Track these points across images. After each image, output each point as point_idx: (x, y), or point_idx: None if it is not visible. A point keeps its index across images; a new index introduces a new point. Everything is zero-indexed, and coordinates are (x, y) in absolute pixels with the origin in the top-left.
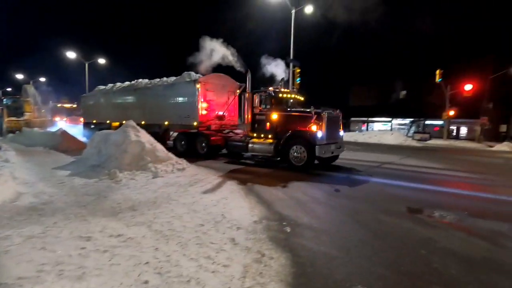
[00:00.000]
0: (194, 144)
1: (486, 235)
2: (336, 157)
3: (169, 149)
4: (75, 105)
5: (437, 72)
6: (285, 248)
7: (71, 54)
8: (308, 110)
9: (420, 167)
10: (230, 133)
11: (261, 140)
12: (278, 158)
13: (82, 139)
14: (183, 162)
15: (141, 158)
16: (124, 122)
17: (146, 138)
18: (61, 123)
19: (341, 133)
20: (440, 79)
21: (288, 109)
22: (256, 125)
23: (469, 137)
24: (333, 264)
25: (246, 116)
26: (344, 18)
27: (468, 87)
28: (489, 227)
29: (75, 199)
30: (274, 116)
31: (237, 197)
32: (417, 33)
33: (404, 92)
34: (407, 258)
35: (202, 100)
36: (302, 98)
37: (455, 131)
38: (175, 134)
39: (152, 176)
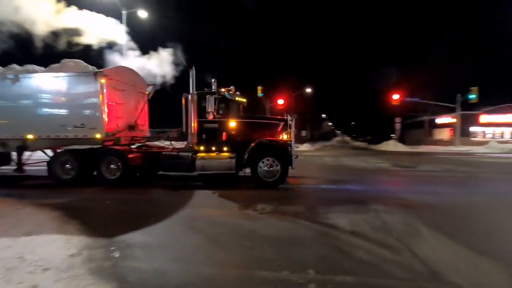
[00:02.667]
0: (94, 167)
1: (289, 218)
2: None
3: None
4: None
5: (259, 88)
6: (109, 278)
7: None
8: (277, 116)
9: None
10: (144, 147)
11: (214, 155)
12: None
13: None
14: None
15: None
16: None
17: None
18: None
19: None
20: (262, 94)
21: (248, 115)
22: (204, 136)
23: None
24: (165, 279)
25: (190, 124)
26: None
27: (280, 101)
28: (292, 210)
29: None
30: (233, 124)
31: (47, 229)
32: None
33: None
34: (234, 252)
35: (108, 102)
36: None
37: None
38: (47, 154)
39: None
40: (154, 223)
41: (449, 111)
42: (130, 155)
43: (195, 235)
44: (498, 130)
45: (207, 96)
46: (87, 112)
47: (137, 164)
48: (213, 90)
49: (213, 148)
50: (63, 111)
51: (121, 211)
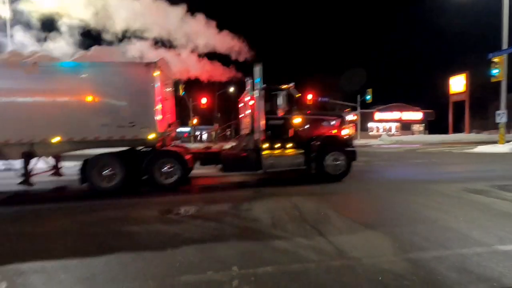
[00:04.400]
0: (144, 171)
1: (215, 217)
2: None
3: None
4: None
5: (180, 86)
6: None
7: None
8: (336, 113)
9: None
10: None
11: (282, 151)
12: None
13: None
14: None
15: None
16: None
17: None
18: None
19: None
20: (184, 92)
21: (311, 111)
22: (270, 133)
23: (209, 140)
24: None
25: (257, 121)
26: None
27: (203, 100)
28: (217, 209)
29: None
30: (298, 120)
31: None
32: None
33: None
34: (155, 261)
35: (160, 98)
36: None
37: (199, 136)
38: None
39: None
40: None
41: (352, 109)
42: (187, 157)
43: (102, 247)
44: (388, 125)
45: (276, 92)
46: (137, 109)
47: (191, 166)
48: (282, 86)
49: (278, 145)
50: (106, 108)
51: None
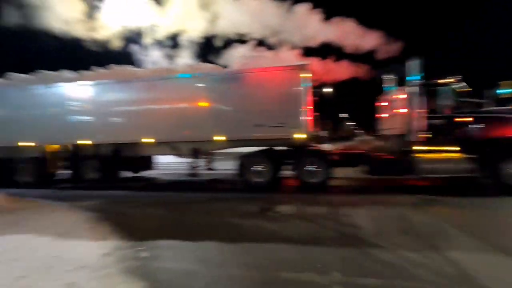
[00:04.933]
0: (292, 169)
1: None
2: None
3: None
4: None
5: (323, 87)
6: (142, 277)
7: None
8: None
9: None
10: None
11: (442, 155)
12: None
13: None
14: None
15: None
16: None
17: None
18: None
19: None
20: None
21: (481, 108)
22: (428, 133)
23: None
24: (193, 280)
25: (412, 121)
26: None
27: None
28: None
29: None
30: (466, 118)
31: (81, 231)
32: None
33: None
34: (257, 255)
35: (308, 98)
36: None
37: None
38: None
39: None
40: (180, 225)
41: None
42: (334, 156)
43: (216, 236)
44: None
45: (438, 87)
46: (287, 110)
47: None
48: (444, 81)
49: (438, 148)
50: (260, 110)
51: None
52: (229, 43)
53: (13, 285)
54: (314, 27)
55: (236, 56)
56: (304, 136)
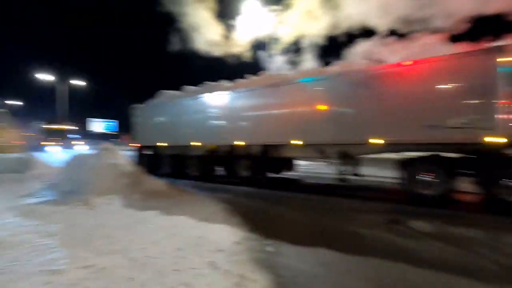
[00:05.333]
0: (475, 181)
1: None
2: None
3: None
4: (68, 127)
5: None
6: (267, 269)
7: (43, 77)
8: None
9: None
10: None
11: None
12: None
13: (53, 164)
14: (161, 184)
15: (117, 181)
16: (239, 143)
17: (122, 160)
18: (53, 148)
19: None
20: None
21: None
22: None
23: None
24: (315, 282)
25: None
26: None
27: None
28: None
29: (43, 229)
30: None
31: (217, 218)
32: None
33: None
34: (383, 272)
35: (507, 89)
36: None
37: None
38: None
39: (127, 199)
40: (300, 228)
41: None
42: None
43: (337, 243)
44: None
45: None
46: (478, 105)
47: None
48: None
49: None
50: (433, 107)
51: None
52: (356, 38)
53: (173, 253)
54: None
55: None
56: (502, 139)
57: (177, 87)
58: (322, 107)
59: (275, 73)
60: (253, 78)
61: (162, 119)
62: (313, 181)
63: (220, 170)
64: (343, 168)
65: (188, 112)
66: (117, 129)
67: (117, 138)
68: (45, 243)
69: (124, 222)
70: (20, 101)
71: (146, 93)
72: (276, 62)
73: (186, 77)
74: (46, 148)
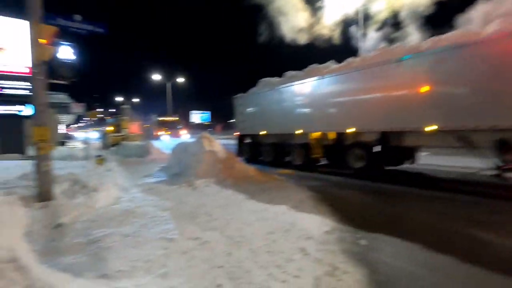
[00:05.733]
0: None
1: None
2: None
3: None
4: (176, 118)
5: None
6: (360, 262)
7: (155, 77)
8: None
9: None
10: None
11: None
12: None
13: (165, 150)
14: (251, 170)
15: (214, 166)
16: (349, 130)
17: (218, 148)
18: (165, 137)
19: None
20: None
21: None
22: None
23: None
24: (414, 281)
25: None
26: None
27: None
28: None
29: (159, 204)
30: None
31: (307, 206)
32: None
33: None
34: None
35: None
36: None
37: None
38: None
39: (222, 183)
40: (399, 221)
41: None
42: None
43: (443, 242)
44: None
45: None
46: None
47: None
48: None
49: None
50: None
51: None
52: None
53: (265, 236)
54: None
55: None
56: None
57: (269, 76)
58: (470, 81)
59: (394, 46)
60: (365, 56)
61: (261, 107)
62: (443, 175)
63: (323, 160)
64: (496, 160)
65: (289, 99)
66: (209, 120)
67: (211, 128)
68: (162, 215)
69: (220, 203)
70: (138, 98)
71: (240, 84)
72: (371, 40)
73: (276, 66)
74: (161, 137)
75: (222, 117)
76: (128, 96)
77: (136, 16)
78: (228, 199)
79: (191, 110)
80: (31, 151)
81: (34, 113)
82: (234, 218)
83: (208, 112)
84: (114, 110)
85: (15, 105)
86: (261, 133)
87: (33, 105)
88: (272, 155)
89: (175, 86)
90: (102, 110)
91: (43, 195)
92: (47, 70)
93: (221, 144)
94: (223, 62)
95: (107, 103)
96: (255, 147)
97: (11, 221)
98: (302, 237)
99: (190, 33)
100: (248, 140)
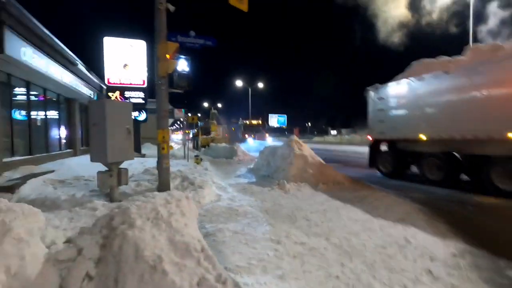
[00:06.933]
0: None
1: None
2: None
3: None
4: (260, 122)
5: None
6: None
7: (238, 83)
8: None
9: None
10: None
11: None
12: None
13: (251, 153)
14: (342, 176)
15: (305, 170)
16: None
17: (308, 152)
18: (249, 140)
19: None
20: None
21: None
22: None
23: None
24: None
25: None
26: None
27: None
28: None
29: (257, 204)
30: None
31: (416, 220)
32: None
33: None
34: None
35: None
36: None
37: None
38: None
39: (313, 188)
40: None
41: None
42: None
43: None
44: None
45: None
46: None
47: None
48: None
49: None
50: None
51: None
52: None
53: (377, 250)
54: None
55: None
56: None
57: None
58: None
59: None
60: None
61: (423, 100)
62: None
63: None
64: None
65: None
66: (285, 124)
67: (288, 132)
68: (262, 216)
69: (316, 208)
70: (221, 103)
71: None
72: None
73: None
74: (247, 140)
75: (298, 121)
76: (213, 101)
77: (221, 27)
78: (323, 205)
79: (269, 114)
80: (143, 150)
81: (157, 118)
82: (335, 225)
83: (284, 115)
84: (199, 115)
85: (134, 111)
86: (418, 137)
87: (157, 111)
88: (442, 171)
89: (253, 90)
90: (190, 114)
91: (163, 188)
92: (168, 81)
93: (309, 148)
94: (301, 65)
95: (195, 108)
96: (402, 157)
97: (190, 214)
98: (424, 256)
99: (270, 37)
100: (385, 148)
